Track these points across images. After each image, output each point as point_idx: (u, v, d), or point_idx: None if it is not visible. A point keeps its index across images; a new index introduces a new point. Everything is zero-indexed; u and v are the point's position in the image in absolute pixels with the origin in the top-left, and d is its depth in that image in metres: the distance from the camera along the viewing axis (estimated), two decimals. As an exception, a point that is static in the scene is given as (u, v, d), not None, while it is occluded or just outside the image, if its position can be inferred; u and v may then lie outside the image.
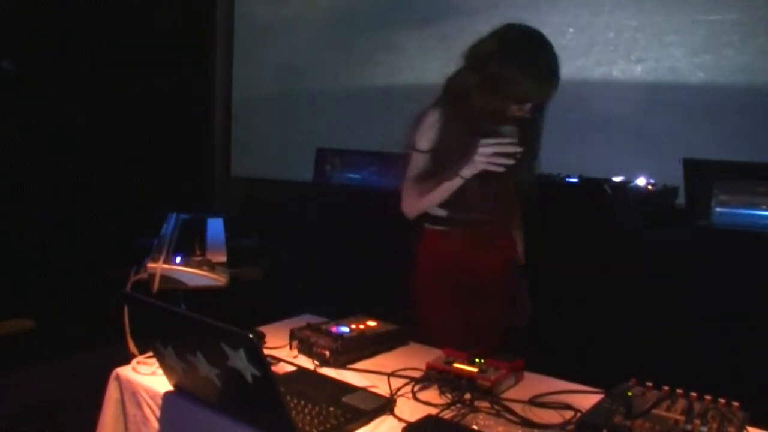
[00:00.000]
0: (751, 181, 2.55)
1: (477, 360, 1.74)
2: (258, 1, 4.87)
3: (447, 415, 1.52)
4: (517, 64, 2.02)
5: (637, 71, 3.25)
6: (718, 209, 2.49)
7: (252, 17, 4.87)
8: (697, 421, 1.34)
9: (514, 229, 2.41)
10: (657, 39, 3.19)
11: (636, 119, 3.22)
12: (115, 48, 4.17)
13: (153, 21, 4.34)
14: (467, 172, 2.12)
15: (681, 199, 2.81)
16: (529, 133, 2.19)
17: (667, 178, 2.85)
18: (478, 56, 2.09)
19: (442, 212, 2.27)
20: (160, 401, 1.66)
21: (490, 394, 1.61)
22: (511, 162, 2.06)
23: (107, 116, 4.13)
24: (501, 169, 2.07)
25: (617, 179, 3.00)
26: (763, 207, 2.46)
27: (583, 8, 3.43)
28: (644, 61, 3.23)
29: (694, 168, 2.68)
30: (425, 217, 2.32)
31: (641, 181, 2.95)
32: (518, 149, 2.06)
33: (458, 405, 1.57)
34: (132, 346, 1.87)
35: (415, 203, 2.27)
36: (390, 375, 1.74)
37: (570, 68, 3.26)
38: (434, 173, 2.19)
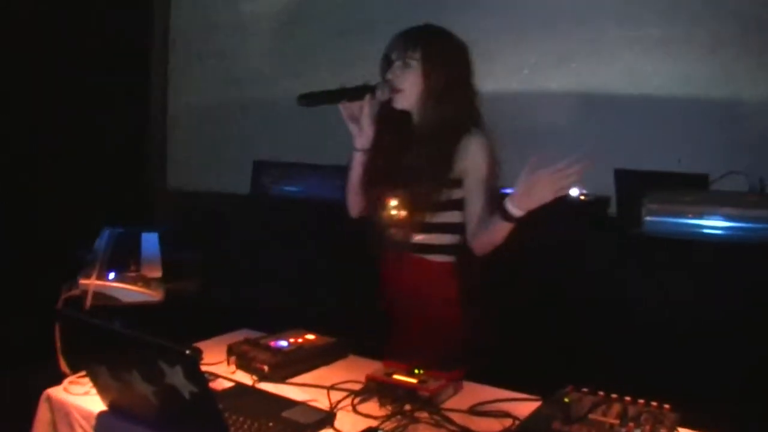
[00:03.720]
0: (679, 191, 2.64)
1: (416, 371, 1.75)
2: (196, 7, 4.80)
3: (388, 426, 1.52)
4: None
5: (572, 82, 3.29)
6: (648, 218, 2.56)
7: (190, 24, 4.80)
8: (632, 424, 1.38)
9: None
10: (592, 50, 3.24)
11: (569, 130, 3.28)
12: (51, 55, 4.05)
13: (89, 27, 4.23)
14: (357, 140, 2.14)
15: (612, 209, 2.88)
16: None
17: (599, 188, 2.91)
18: None
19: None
20: (93, 422, 1.62)
21: (430, 404, 1.62)
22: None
23: (40, 125, 4.00)
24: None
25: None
26: (691, 215, 2.54)
27: (515, 17, 3.44)
28: (579, 73, 3.28)
29: (625, 178, 2.76)
30: None
31: (574, 192, 3.00)
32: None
33: (398, 416, 1.57)
34: (64, 366, 1.82)
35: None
36: (330, 388, 1.74)
37: (504, 79, 3.31)
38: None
